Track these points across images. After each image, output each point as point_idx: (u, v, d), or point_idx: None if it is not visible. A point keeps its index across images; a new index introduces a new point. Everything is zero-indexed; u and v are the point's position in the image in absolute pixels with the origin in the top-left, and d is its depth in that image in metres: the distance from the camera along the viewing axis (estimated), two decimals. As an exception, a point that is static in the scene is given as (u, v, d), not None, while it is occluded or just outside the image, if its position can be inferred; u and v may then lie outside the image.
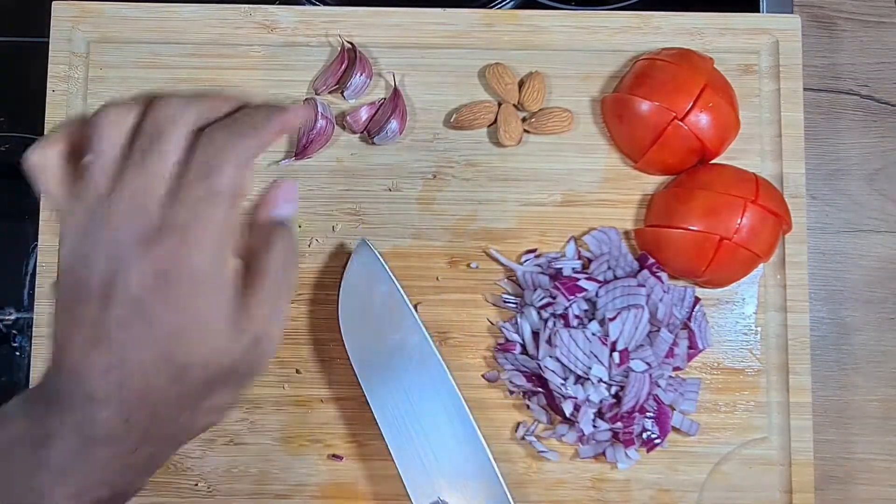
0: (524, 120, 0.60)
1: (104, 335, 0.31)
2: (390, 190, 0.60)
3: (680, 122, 0.56)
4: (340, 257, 0.59)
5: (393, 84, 0.60)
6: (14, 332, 0.65)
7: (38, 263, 0.59)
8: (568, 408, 0.55)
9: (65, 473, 0.32)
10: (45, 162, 0.33)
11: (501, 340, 0.59)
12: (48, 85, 0.60)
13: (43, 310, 0.58)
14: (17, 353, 0.65)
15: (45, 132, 0.60)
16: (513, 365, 0.58)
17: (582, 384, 0.55)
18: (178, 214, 0.31)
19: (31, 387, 0.34)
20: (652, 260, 0.58)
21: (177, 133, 0.32)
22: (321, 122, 0.58)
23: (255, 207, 0.35)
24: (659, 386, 0.56)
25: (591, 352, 0.54)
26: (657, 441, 0.56)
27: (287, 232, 0.35)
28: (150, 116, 0.32)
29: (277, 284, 0.34)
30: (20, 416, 0.33)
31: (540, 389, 0.57)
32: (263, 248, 0.34)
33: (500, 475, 0.53)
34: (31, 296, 0.61)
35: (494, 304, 0.59)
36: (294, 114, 0.34)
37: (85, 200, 0.32)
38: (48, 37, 0.61)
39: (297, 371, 0.58)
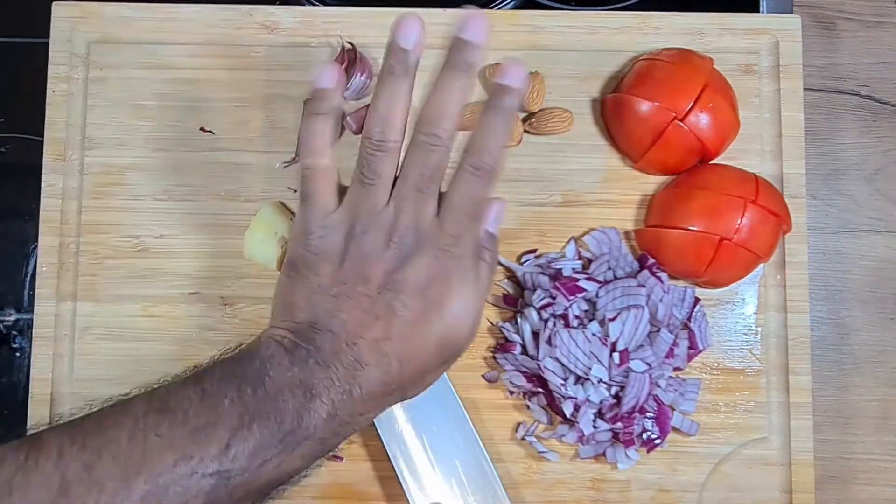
0: (524, 120, 0.60)
1: (385, 313, 0.41)
2: (390, 190, 0.60)
3: (680, 123, 0.56)
4: (340, 258, 0.59)
5: (393, 84, 0.60)
6: (14, 333, 0.65)
7: (38, 264, 0.59)
8: (568, 408, 0.55)
9: (323, 422, 0.40)
10: (324, 171, 0.44)
11: (501, 341, 0.59)
12: (48, 85, 0.60)
13: (43, 310, 0.58)
14: (17, 355, 0.65)
15: (46, 133, 0.60)
16: (513, 365, 0.58)
17: (582, 384, 0.55)
18: (452, 232, 0.42)
19: (276, 337, 0.42)
20: (652, 260, 0.58)
21: (439, 179, 0.43)
22: None
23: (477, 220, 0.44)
24: (659, 386, 0.56)
25: (591, 352, 0.54)
26: (657, 441, 0.56)
27: (494, 244, 0.45)
28: (413, 164, 0.43)
29: (488, 286, 0.45)
30: (287, 365, 0.40)
31: (540, 390, 0.57)
32: (479, 249, 0.44)
33: (497, 476, 0.53)
34: (31, 297, 0.61)
35: (495, 305, 0.59)
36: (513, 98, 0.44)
37: (362, 210, 0.43)
38: (48, 37, 0.61)
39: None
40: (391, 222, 0.42)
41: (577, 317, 0.56)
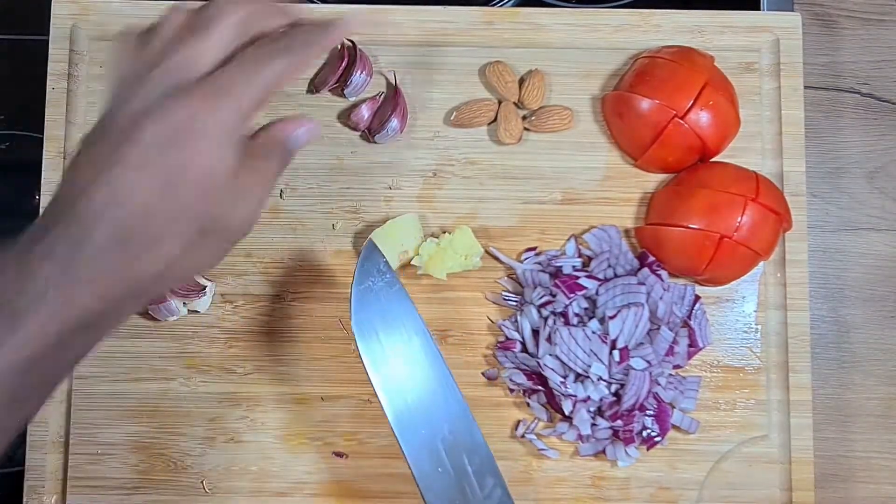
0: (524, 118, 0.60)
1: (116, 161, 0.37)
2: (391, 188, 0.60)
3: (680, 121, 0.56)
4: (339, 256, 0.59)
5: (393, 82, 0.60)
6: (14, 329, 0.64)
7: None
8: (567, 406, 0.55)
9: (54, 280, 0.36)
10: (121, 48, 0.41)
11: (502, 338, 0.59)
12: (48, 82, 0.60)
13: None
14: (18, 351, 0.64)
15: (46, 130, 0.60)
16: (513, 363, 0.58)
17: (582, 382, 0.55)
18: (213, 83, 0.37)
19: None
20: (652, 258, 0.58)
21: (224, 22, 0.39)
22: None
23: (275, 122, 0.41)
24: (659, 384, 0.56)
25: (591, 350, 0.54)
26: (657, 439, 0.56)
27: (288, 147, 0.41)
28: (203, 10, 0.39)
29: (266, 169, 0.40)
30: (25, 240, 0.38)
31: (540, 387, 0.57)
32: (263, 144, 0.40)
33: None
34: (31, 294, 0.61)
35: (495, 303, 0.59)
36: (337, 34, 0.40)
37: (139, 62, 0.39)
38: (48, 34, 0.61)
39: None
40: (155, 68, 0.38)
41: (577, 314, 0.56)
